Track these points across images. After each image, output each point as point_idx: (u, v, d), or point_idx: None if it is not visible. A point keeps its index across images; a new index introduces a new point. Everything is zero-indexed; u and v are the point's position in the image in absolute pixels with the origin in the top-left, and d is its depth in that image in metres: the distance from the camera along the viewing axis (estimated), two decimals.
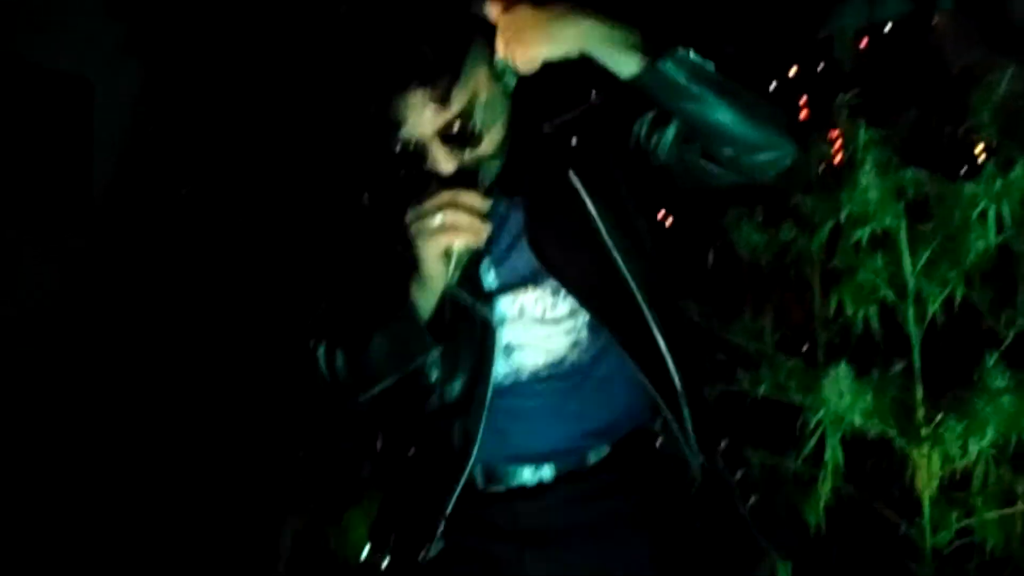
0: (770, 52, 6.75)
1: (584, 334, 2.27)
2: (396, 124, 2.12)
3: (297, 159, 4.90)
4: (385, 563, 2.36)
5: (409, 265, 2.14)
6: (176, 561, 4.60)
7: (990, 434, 2.83)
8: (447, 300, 2.21)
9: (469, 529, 2.33)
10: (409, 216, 2.10)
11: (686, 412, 2.24)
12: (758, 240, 3.03)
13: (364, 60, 2.16)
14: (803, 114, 4.51)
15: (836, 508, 3.22)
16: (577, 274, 2.23)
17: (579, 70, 2.20)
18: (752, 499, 2.28)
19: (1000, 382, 2.78)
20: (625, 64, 2.06)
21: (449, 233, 2.07)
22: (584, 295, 2.22)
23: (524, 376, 2.28)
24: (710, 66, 2.07)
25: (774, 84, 6.64)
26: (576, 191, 2.23)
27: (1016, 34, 6.01)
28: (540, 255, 2.23)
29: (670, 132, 2.19)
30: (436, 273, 2.11)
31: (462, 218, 2.07)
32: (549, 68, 2.12)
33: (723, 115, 2.06)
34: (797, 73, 6.75)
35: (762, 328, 3.24)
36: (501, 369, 2.27)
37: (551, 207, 2.24)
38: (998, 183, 2.87)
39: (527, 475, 2.31)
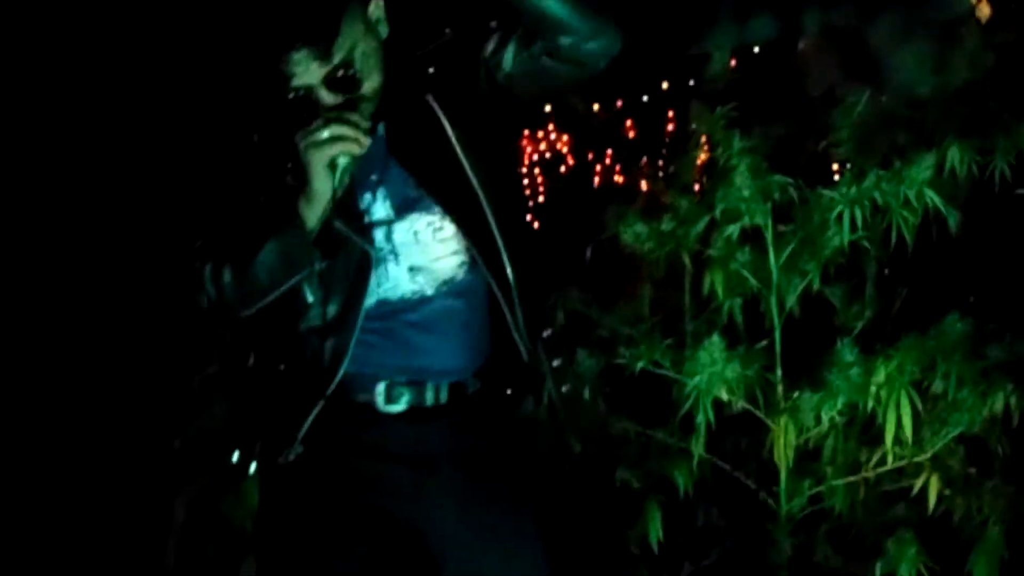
0: (643, 66, 7.12)
1: (467, 256, 2.60)
2: (287, 77, 2.46)
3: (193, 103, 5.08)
4: (252, 468, 2.63)
5: (296, 187, 2.46)
6: (69, 535, 4.72)
7: (840, 402, 3.22)
8: (330, 229, 2.50)
9: (364, 453, 2.60)
10: (299, 135, 2.43)
11: (517, 304, 2.59)
12: (641, 229, 3.37)
13: (256, 25, 2.50)
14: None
15: (703, 477, 3.58)
16: (438, 182, 2.56)
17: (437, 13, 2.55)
18: (565, 387, 2.64)
19: (849, 357, 3.18)
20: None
21: (335, 144, 2.41)
22: (443, 199, 2.55)
23: (429, 292, 2.59)
24: None
25: (647, 96, 7.04)
26: (434, 112, 2.57)
27: (872, 61, 6.44)
28: (407, 166, 2.56)
29: (511, 45, 2.52)
30: (323, 183, 2.42)
31: (346, 129, 2.41)
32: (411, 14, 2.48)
33: (557, 6, 2.39)
34: (670, 87, 7.14)
35: (638, 313, 3.59)
36: (408, 287, 2.58)
37: (414, 127, 2.57)
38: (852, 190, 3.27)
39: (428, 395, 2.61)
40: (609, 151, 7.01)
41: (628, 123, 7.16)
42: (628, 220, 3.35)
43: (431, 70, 2.61)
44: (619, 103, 7.19)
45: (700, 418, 3.23)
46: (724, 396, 3.28)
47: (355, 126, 2.41)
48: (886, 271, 3.58)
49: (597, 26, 2.44)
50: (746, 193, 3.20)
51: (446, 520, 2.59)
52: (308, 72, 2.45)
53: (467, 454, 2.62)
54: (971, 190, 3.71)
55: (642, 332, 3.50)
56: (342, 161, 2.40)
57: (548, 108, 7.35)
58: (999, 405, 3.46)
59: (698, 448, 3.34)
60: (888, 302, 3.69)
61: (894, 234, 3.32)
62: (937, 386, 3.39)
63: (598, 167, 7.46)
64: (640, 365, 3.40)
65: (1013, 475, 3.52)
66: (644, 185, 3.91)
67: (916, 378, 3.32)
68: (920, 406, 3.28)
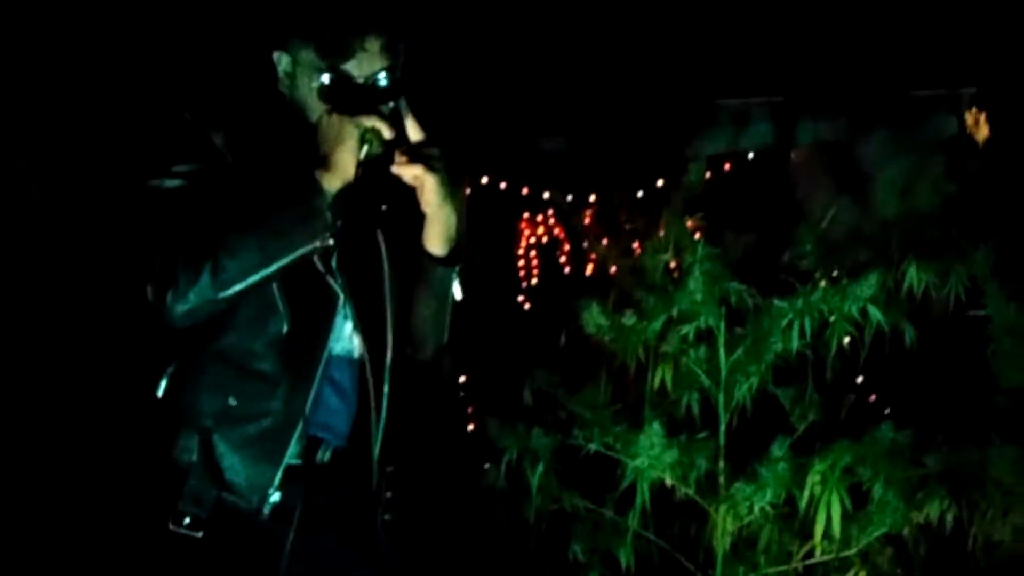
0: (640, 162, 7.41)
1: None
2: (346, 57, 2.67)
3: None
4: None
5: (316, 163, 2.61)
6: None
7: (770, 494, 3.49)
8: (308, 262, 2.66)
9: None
10: (329, 109, 2.63)
11: (378, 442, 2.81)
12: (603, 322, 3.65)
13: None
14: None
15: (649, 556, 3.84)
16: (361, 303, 2.79)
17: None
18: (387, 515, 2.86)
19: (779, 452, 3.46)
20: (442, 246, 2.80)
21: (371, 123, 2.61)
22: (362, 321, 2.79)
23: (355, 356, 2.80)
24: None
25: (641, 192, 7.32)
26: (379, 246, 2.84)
27: (859, 175, 6.74)
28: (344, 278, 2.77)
29: None
30: (347, 156, 2.58)
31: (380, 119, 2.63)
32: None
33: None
34: (664, 185, 7.42)
35: (600, 400, 3.85)
36: (347, 345, 2.78)
37: (359, 249, 2.80)
38: (800, 301, 3.56)
39: (320, 452, 2.76)
40: (597, 241, 7.23)
41: (622, 216, 7.40)
42: (592, 312, 3.63)
43: (384, 207, 2.86)
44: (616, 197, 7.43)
45: (638, 498, 3.50)
46: (668, 481, 3.56)
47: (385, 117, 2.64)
48: (828, 376, 3.82)
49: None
50: (698, 297, 3.49)
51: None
52: (371, 62, 2.69)
53: (321, 511, 2.80)
54: (927, 309, 3.99)
55: (600, 416, 3.75)
56: (370, 140, 2.60)
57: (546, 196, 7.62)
58: (935, 512, 3.73)
59: (633, 524, 3.60)
60: (837, 408, 3.94)
61: (833, 344, 3.60)
62: (865, 484, 3.63)
63: (591, 256, 7.70)
64: (593, 447, 3.67)
65: None
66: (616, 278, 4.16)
67: (850, 480, 3.59)
68: (849, 505, 3.53)
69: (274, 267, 2.57)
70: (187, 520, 2.62)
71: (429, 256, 2.81)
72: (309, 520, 2.73)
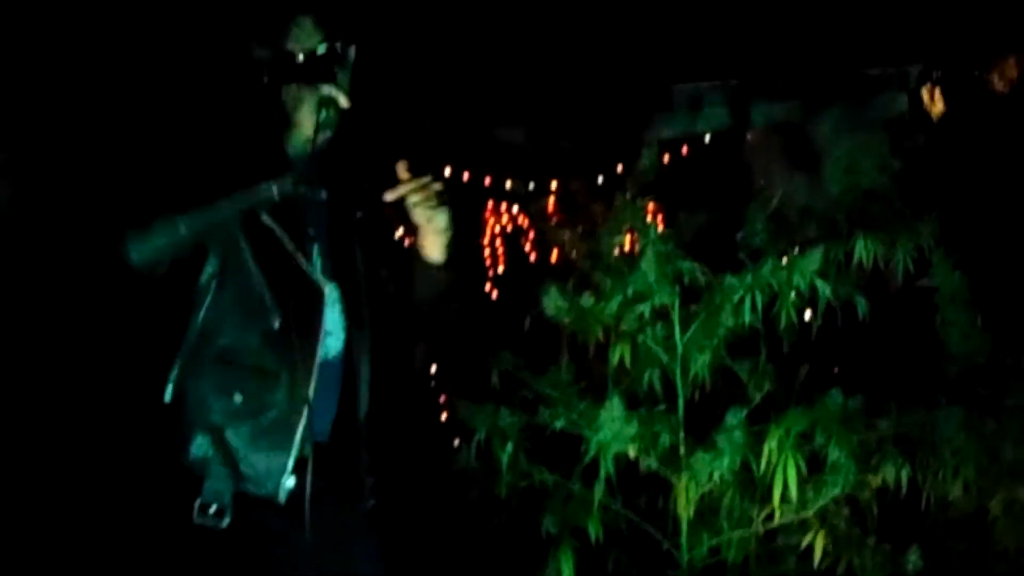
0: (601, 148, 7.55)
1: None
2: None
3: None
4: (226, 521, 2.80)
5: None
6: None
7: (727, 461, 3.64)
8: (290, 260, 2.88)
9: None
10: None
11: (360, 434, 3.02)
12: (562, 304, 3.81)
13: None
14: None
15: (617, 528, 3.99)
16: (348, 294, 3.01)
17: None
18: (370, 501, 3.04)
19: (734, 421, 3.62)
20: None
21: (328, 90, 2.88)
22: (350, 315, 3.01)
23: (331, 355, 2.97)
24: None
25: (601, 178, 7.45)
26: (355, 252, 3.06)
27: (812, 154, 6.87)
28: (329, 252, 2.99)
29: None
30: (308, 117, 2.88)
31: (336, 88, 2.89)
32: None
33: None
34: (623, 170, 7.54)
35: (563, 379, 4.00)
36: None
37: (338, 255, 3.02)
38: (749, 277, 3.71)
39: (307, 448, 2.90)
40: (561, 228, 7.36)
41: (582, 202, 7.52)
42: (551, 295, 3.79)
43: (359, 214, 3.09)
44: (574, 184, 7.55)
45: (602, 470, 3.65)
46: (631, 453, 3.71)
47: (341, 86, 2.90)
48: (785, 349, 3.96)
49: None
50: (652, 277, 3.65)
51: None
52: (308, 35, 2.93)
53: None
54: (882, 282, 4.14)
55: (565, 395, 3.90)
56: (327, 105, 2.89)
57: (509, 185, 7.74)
58: (889, 474, 3.88)
59: (598, 495, 3.75)
60: (791, 378, 4.10)
61: (783, 316, 3.75)
62: (820, 449, 3.79)
63: (554, 243, 7.81)
64: (559, 424, 3.82)
65: (892, 535, 3.94)
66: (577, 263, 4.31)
67: (806, 446, 3.75)
68: (804, 468, 3.69)
69: (242, 203, 2.81)
70: (212, 511, 2.79)
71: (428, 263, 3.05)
72: (302, 507, 2.88)
